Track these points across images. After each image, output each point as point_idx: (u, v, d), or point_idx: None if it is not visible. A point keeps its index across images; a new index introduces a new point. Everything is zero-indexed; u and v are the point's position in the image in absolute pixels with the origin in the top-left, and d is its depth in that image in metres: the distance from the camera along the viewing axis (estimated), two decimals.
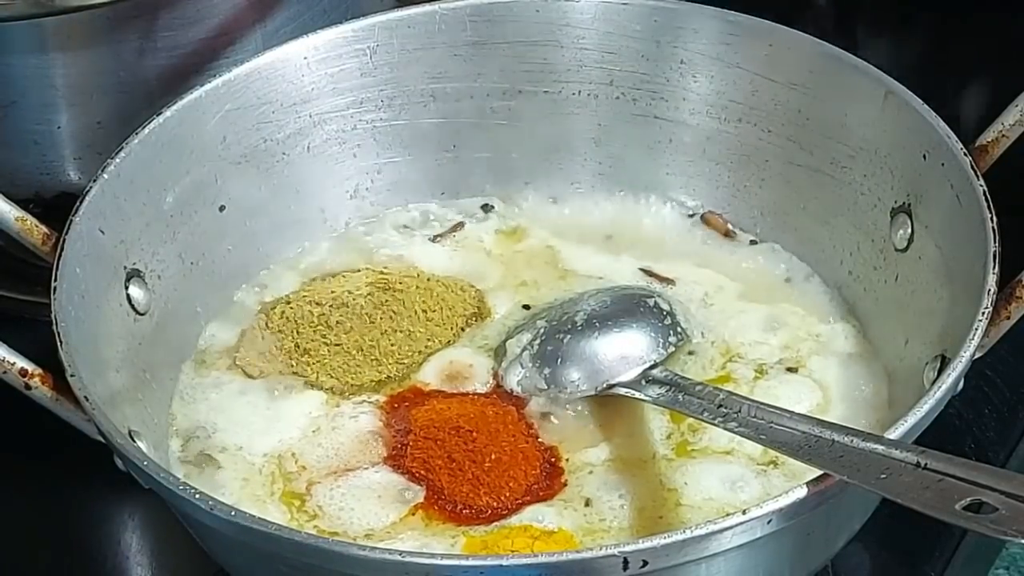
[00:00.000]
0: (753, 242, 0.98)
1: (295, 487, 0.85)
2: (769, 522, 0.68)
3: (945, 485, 0.66)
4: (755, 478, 0.82)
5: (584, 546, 0.79)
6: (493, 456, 0.84)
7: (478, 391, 0.89)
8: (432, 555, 0.68)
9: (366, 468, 0.84)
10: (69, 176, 1.02)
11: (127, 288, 0.87)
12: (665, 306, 0.91)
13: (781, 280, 0.95)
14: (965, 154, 0.83)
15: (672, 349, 0.89)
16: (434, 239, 1.00)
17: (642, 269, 0.96)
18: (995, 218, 0.80)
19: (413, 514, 0.82)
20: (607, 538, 0.80)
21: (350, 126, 0.99)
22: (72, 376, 0.77)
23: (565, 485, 0.83)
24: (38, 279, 0.84)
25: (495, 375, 0.90)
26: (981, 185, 0.82)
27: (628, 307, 0.90)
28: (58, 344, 0.78)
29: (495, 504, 0.82)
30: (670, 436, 0.85)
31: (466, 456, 0.84)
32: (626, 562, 0.66)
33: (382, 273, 0.96)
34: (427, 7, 0.98)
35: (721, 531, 0.67)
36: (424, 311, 0.93)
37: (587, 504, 0.82)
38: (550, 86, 1.00)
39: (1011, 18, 1.10)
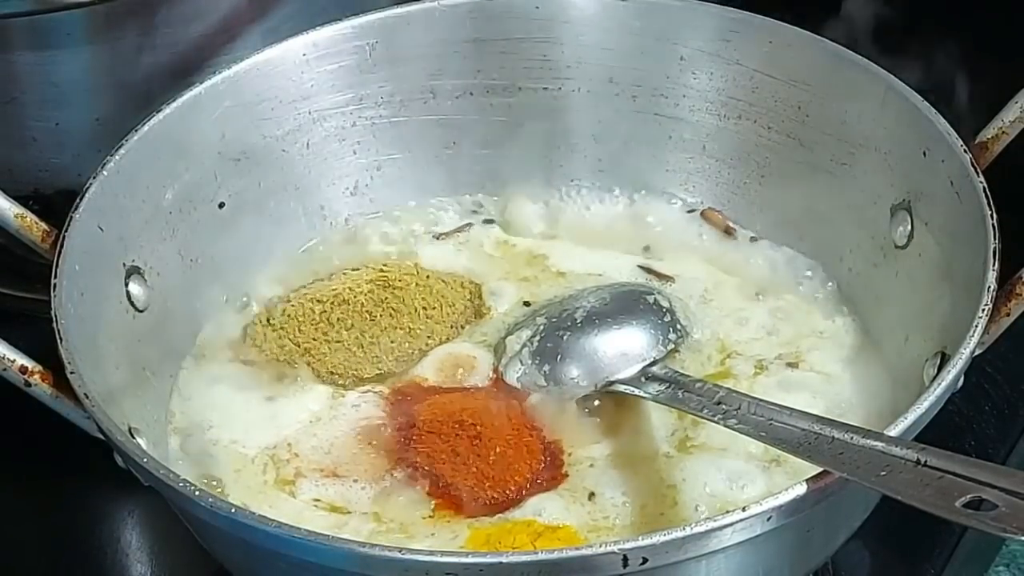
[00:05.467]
0: (753, 239, 0.98)
1: (284, 474, 0.85)
2: (769, 519, 0.68)
3: (945, 482, 0.66)
4: (758, 475, 0.82)
5: (588, 543, 0.78)
6: (497, 450, 0.84)
7: (479, 385, 0.89)
8: (431, 552, 0.68)
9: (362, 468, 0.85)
10: (68, 173, 1.02)
11: (127, 285, 0.87)
12: (665, 303, 0.91)
13: (781, 277, 0.95)
14: (965, 151, 0.83)
15: (672, 346, 0.89)
16: (436, 237, 1.00)
17: (641, 266, 0.96)
18: (995, 215, 0.80)
19: (417, 507, 0.82)
20: (610, 535, 0.80)
21: (350, 123, 0.99)
22: (72, 373, 0.77)
23: (566, 477, 0.83)
24: (38, 276, 0.84)
25: (495, 370, 0.90)
26: (981, 182, 0.82)
27: (628, 304, 0.90)
28: (58, 341, 0.78)
29: (500, 498, 0.82)
30: (674, 433, 0.85)
31: (470, 450, 0.84)
32: (626, 559, 0.66)
33: (382, 270, 0.96)
34: (427, 4, 0.98)
35: (721, 528, 0.67)
36: (424, 308, 0.93)
37: (591, 498, 0.82)
38: (550, 83, 1.00)
39: (1011, 16, 1.10)
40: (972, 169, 0.82)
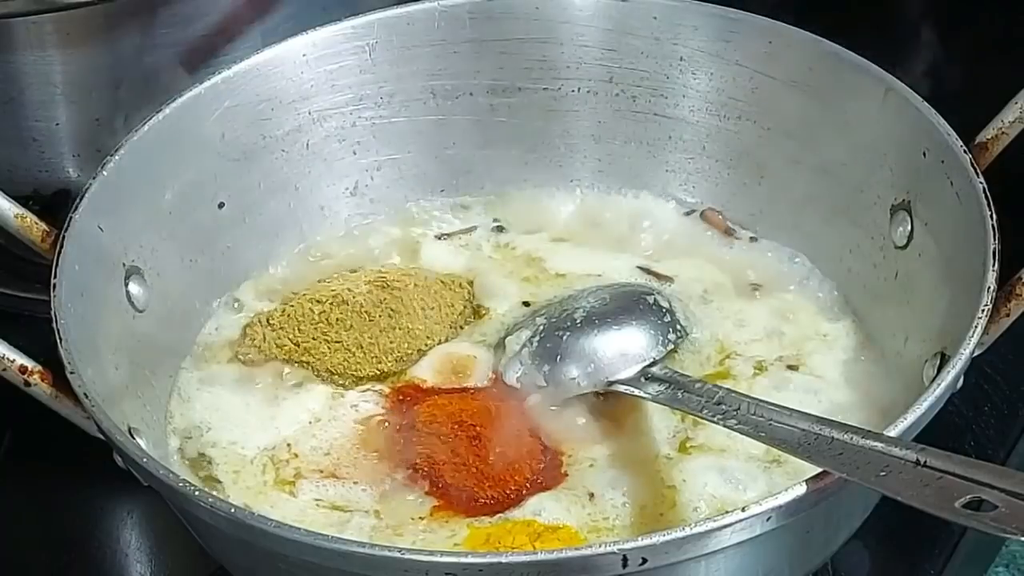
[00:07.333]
0: (753, 239, 0.98)
1: (284, 475, 0.85)
2: (768, 519, 0.68)
3: (945, 483, 0.66)
4: (758, 476, 0.82)
5: (587, 543, 0.78)
6: (496, 450, 0.84)
7: (478, 386, 0.89)
8: (431, 552, 0.68)
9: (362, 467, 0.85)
10: (68, 173, 1.03)
11: (126, 285, 0.87)
12: (664, 303, 0.91)
13: (781, 277, 0.95)
14: (965, 151, 0.83)
15: (671, 346, 0.89)
16: (439, 237, 1.00)
17: (641, 267, 0.96)
18: (995, 215, 0.79)
19: (416, 508, 0.82)
20: (610, 535, 0.80)
21: (349, 123, 0.99)
22: (72, 373, 0.77)
23: (566, 477, 0.83)
24: (37, 276, 0.84)
25: (495, 370, 0.90)
26: (981, 182, 0.81)
27: (627, 304, 0.90)
28: (57, 341, 0.78)
29: (499, 498, 0.82)
30: (675, 435, 0.85)
31: (469, 451, 0.84)
32: (625, 559, 0.66)
33: (381, 271, 0.96)
34: (427, 4, 0.98)
35: (720, 528, 0.67)
36: (423, 309, 0.93)
37: (590, 499, 0.82)
38: (549, 83, 1.00)
39: (1011, 16, 1.10)
40: (972, 169, 0.82)
